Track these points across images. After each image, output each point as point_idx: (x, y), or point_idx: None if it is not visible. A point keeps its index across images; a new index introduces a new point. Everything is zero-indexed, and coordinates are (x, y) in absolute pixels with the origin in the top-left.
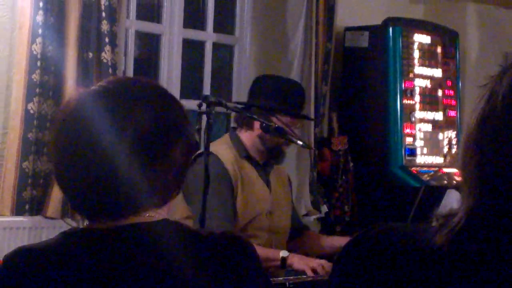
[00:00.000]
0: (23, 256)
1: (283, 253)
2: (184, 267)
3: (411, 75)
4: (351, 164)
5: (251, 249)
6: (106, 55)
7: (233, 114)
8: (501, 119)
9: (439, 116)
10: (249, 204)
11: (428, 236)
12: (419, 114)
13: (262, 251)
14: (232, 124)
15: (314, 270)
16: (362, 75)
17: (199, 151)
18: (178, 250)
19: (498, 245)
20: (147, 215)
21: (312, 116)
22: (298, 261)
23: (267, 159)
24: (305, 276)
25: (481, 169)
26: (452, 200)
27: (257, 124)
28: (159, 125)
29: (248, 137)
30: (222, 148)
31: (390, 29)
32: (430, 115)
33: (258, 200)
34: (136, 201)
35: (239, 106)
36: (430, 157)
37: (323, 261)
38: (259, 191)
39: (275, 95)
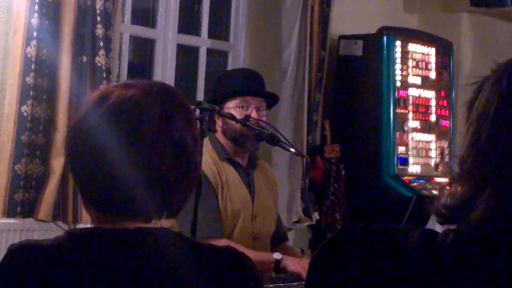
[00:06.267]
0: (28, 250)
1: (277, 256)
2: (183, 278)
3: (404, 84)
4: (343, 172)
5: (250, 265)
6: (100, 59)
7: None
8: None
9: (432, 125)
10: (229, 208)
11: (412, 236)
12: (412, 123)
13: (255, 255)
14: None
15: None
16: (355, 84)
17: None
18: (179, 260)
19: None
20: (153, 221)
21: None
22: (292, 264)
23: (240, 150)
24: (295, 284)
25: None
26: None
27: (218, 123)
28: (172, 141)
29: (221, 139)
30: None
31: (384, 38)
32: (423, 124)
33: (239, 203)
34: (158, 208)
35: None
36: (423, 166)
37: None
38: (240, 194)
39: (217, 87)
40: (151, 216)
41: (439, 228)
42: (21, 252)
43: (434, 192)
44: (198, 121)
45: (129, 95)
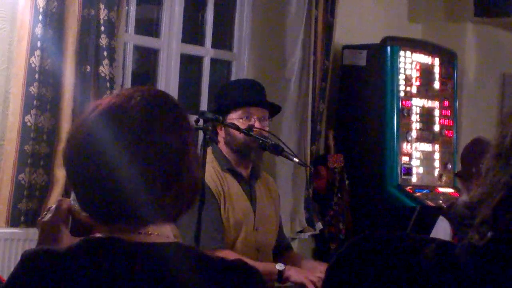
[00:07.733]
0: (43, 258)
1: (279, 266)
2: None
3: (408, 94)
4: (347, 182)
5: (260, 280)
6: (104, 69)
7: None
8: None
9: (435, 135)
10: (231, 219)
11: (429, 247)
12: (415, 133)
13: (257, 266)
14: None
15: (313, 284)
16: (359, 94)
17: None
18: (191, 274)
19: None
20: (157, 233)
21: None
22: (296, 274)
23: (245, 161)
24: None
25: None
26: (444, 225)
27: (221, 134)
28: (172, 147)
29: (224, 149)
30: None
31: (388, 48)
32: (426, 134)
33: (241, 215)
34: (148, 213)
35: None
36: (426, 176)
37: (322, 275)
38: (242, 205)
39: (219, 98)
40: (145, 220)
41: (442, 237)
42: (35, 259)
43: (438, 202)
44: (201, 131)
45: (113, 102)
